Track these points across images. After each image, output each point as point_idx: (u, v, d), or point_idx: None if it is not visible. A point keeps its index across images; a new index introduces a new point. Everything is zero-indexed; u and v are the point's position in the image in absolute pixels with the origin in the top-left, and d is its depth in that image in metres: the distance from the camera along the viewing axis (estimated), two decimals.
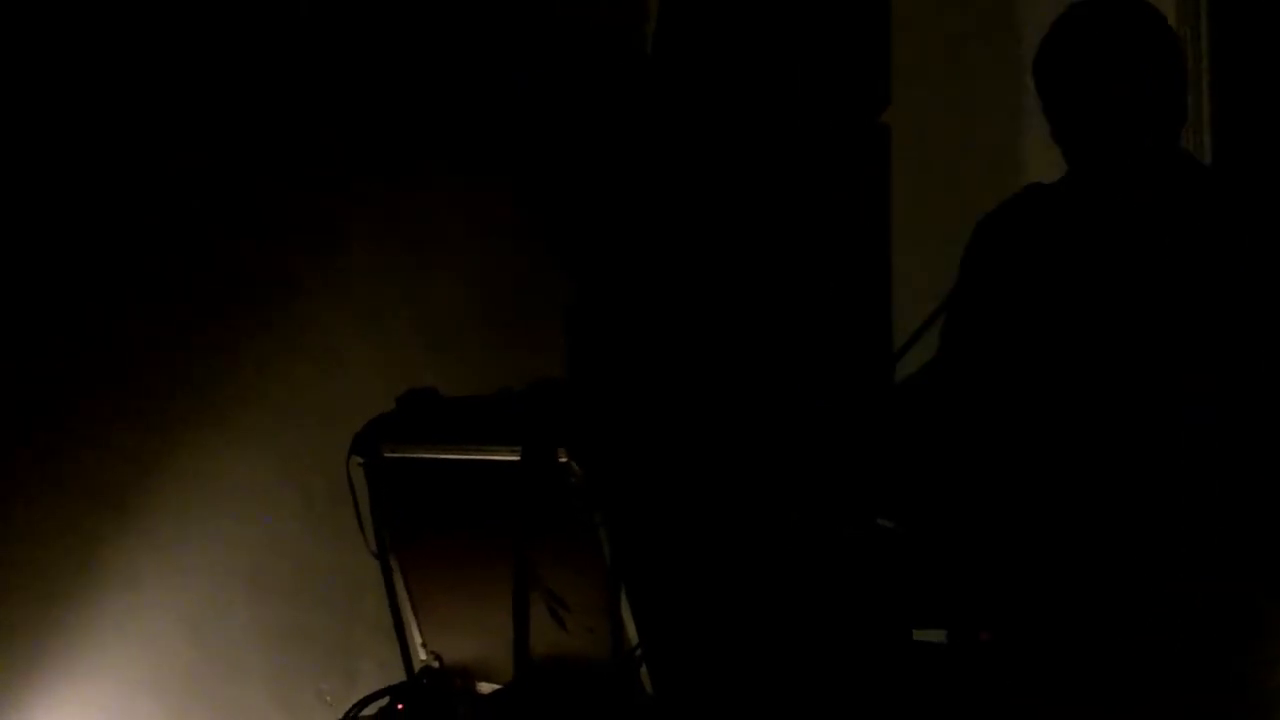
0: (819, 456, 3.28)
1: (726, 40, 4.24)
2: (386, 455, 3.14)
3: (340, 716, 3.27)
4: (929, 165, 4.19)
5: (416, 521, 3.18)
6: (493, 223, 4.09)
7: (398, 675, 3.33)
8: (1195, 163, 2.94)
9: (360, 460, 3.18)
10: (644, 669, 2.90)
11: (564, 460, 2.83)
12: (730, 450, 3.20)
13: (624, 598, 2.89)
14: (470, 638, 3.16)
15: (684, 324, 4.08)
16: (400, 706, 3.16)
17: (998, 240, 2.99)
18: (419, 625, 3.24)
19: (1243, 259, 2.70)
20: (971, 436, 2.95)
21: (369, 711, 3.24)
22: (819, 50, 4.21)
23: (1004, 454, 2.90)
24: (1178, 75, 2.81)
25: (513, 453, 2.86)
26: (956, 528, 2.99)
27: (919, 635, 2.98)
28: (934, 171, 4.17)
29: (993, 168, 4.01)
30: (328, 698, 3.80)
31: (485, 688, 3.17)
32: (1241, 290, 2.66)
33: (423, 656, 3.25)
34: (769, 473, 3.22)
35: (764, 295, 4.18)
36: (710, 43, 4.25)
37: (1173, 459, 2.72)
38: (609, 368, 4.03)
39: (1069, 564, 2.84)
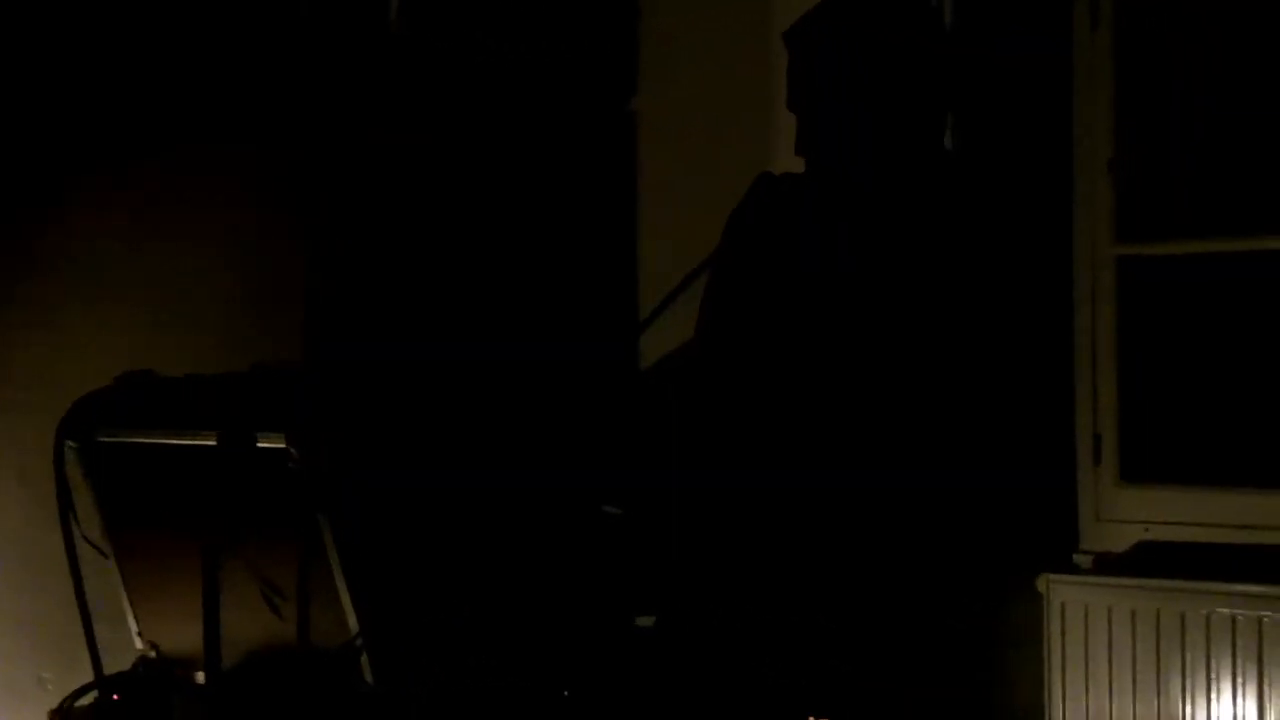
0: (568, 440, 3.27)
1: (474, 18, 4.20)
2: (100, 439, 3.04)
3: (57, 704, 3.18)
4: (676, 152, 4.20)
5: (133, 507, 3.09)
6: (236, 198, 3.99)
7: (121, 663, 3.24)
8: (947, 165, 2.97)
9: (73, 444, 3.07)
10: (364, 658, 2.86)
11: (282, 445, 2.77)
12: (469, 434, 3.18)
13: (344, 585, 2.85)
14: (188, 627, 3.08)
15: (426, 305, 4.03)
16: (116, 696, 3.08)
17: (754, 229, 3.01)
18: (135, 614, 3.16)
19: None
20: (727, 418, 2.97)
21: (85, 701, 3.15)
22: (566, 35, 4.19)
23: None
24: (940, 75, 2.84)
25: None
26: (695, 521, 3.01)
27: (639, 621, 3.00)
28: (681, 159, 4.18)
29: (741, 155, 4.04)
30: (49, 685, 3.69)
31: (203, 677, 3.09)
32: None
33: (139, 645, 3.17)
34: (507, 456, 3.19)
35: (509, 278, 4.15)
36: (457, 20, 4.20)
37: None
38: (347, 349, 3.96)
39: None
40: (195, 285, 3.93)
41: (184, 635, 3.10)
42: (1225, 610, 3.51)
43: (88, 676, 3.27)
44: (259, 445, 2.70)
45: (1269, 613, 3.46)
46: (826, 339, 2.80)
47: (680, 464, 3.04)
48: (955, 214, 2.98)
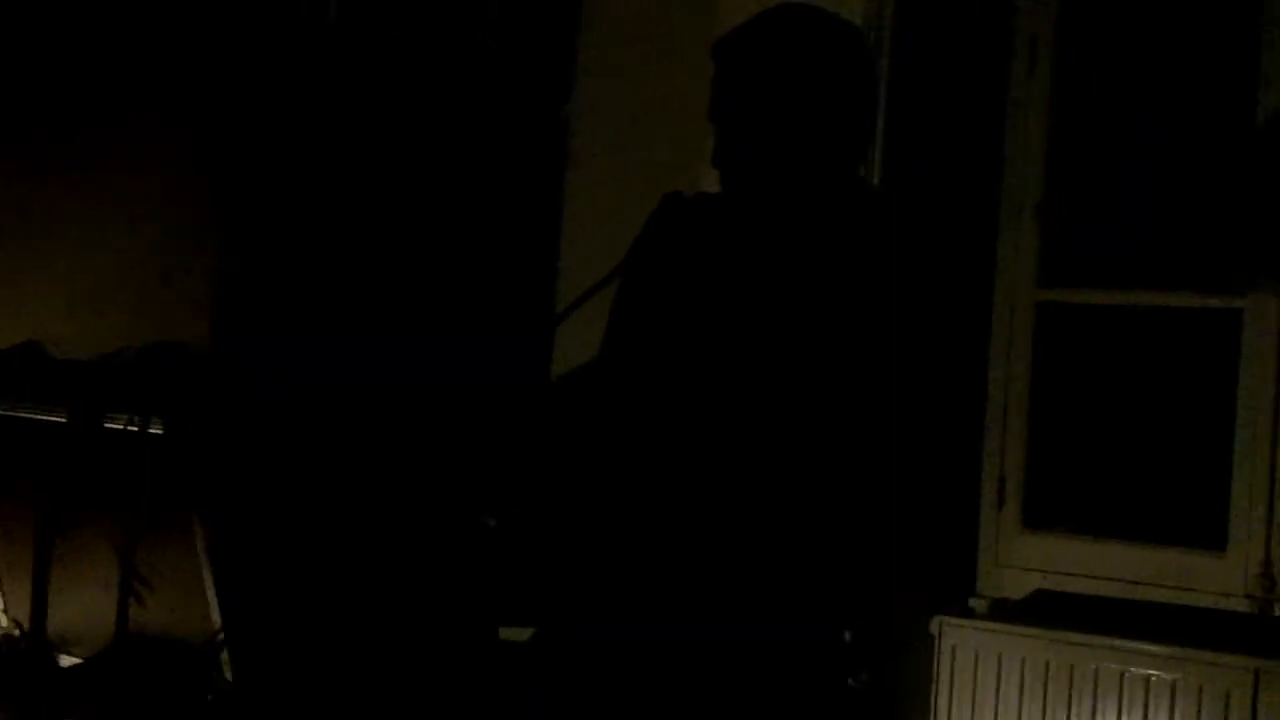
0: (461, 447, 3.22)
1: (415, 15, 4.16)
2: None
3: None
4: (606, 160, 4.16)
5: (8, 482, 3.04)
6: (150, 179, 3.94)
7: None
8: (859, 193, 2.91)
9: None
10: (225, 654, 2.81)
11: (156, 430, 2.72)
12: (359, 433, 3.13)
13: (210, 579, 2.80)
14: (55, 609, 3.03)
15: (335, 300, 3.98)
16: None
17: (656, 245, 2.97)
18: (2, 591, 3.10)
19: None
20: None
21: None
22: (507, 37, 4.16)
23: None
24: (862, 106, 2.79)
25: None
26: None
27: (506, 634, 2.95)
28: (611, 167, 4.14)
29: (672, 166, 4.00)
30: None
31: (66, 660, 3.04)
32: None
33: (3, 624, 3.11)
34: (396, 463, 3.15)
35: (429, 279, 4.11)
36: (396, 16, 4.16)
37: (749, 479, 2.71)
38: (254, 339, 3.91)
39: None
40: (112, 261, 3.88)
41: (52, 616, 3.04)
42: (1114, 666, 3.49)
43: None
44: (108, 426, 2.64)
45: (1156, 671, 3.44)
46: (715, 363, 2.76)
47: (575, 478, 3.00)
48: (865, 244, 2.93)
